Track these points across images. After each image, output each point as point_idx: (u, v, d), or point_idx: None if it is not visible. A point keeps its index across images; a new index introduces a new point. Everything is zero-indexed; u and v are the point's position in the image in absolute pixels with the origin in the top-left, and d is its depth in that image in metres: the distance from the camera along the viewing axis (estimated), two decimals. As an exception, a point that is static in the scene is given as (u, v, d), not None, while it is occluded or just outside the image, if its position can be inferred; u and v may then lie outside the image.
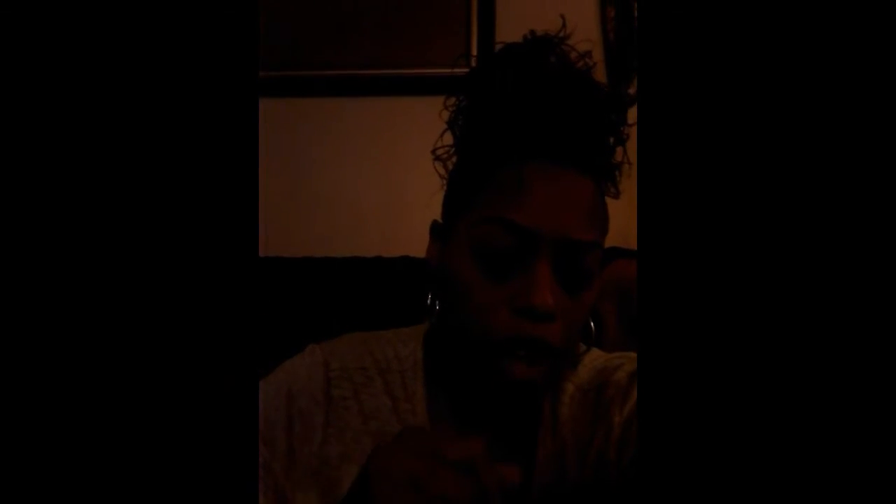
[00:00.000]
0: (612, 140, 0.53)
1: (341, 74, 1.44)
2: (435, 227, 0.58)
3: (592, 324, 0.57)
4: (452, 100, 0.56)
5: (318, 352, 0.60)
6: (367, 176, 1.44)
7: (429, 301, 0.56)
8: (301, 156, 1.45)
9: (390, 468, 0.41)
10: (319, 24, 1.45)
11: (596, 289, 0.52)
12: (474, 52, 1.38)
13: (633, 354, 0.58)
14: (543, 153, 0.50)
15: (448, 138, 0.57)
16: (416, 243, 1.27)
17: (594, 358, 0.59)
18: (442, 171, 0.58)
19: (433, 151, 0.58)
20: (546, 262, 0.49)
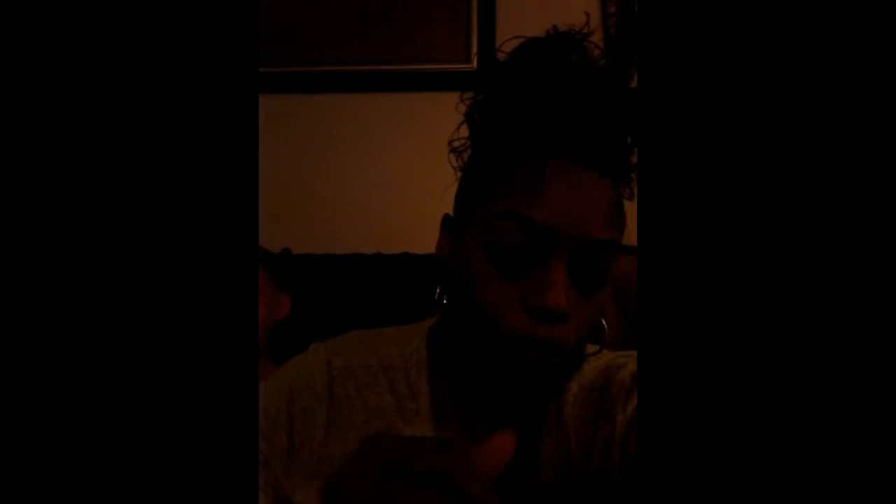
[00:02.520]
0: (630, 141, 0.52)
1: (341, 70, 1.44)
2: (447, 221, 0.58)
3: (605, 324, 0.56)
4: (469, 93, 0.55)
5: (322, 350, 0.60)
6: (368, 172, 1.44)
7: (437, 295, 0.56)
8: (301, 152, 1.45)
9: (346, 496, 0.35)
10: (319, 21, 1.44)
11: (610, 289, 0.52)
12: (475, 48, 1.37)
13: None
14: (562, 151, 0.50)
15: (464, 131, 0.56)
16: (416, 240, 1.28)
17: (599, 357, 0.59)
18: (455, 164, 0.58)
19: (450, 143, 0.57)
20: (561, 261, 0.48)
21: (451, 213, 0.58)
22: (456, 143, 0.57)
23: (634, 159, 0.53)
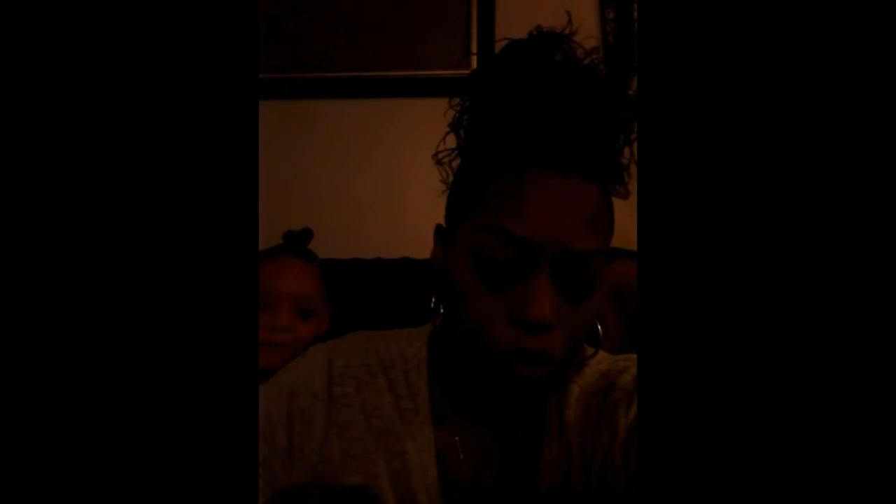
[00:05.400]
0: (620, 139, 0.51)
1: (341, 76, 1.44)
2: (439, 231, 0.58)
3: (600, 327, 0.56)
4: (457, 101, 0.55)
5: (322, 350, 0.60)
6: (367, 177, 1.44)
7: (432, 304, 0.56)
8: (301, 158, 1.45)
9: None
10: (318, 26, 1.45)
11: (600, 295, 0.51)
12: (474, 53, 1.38)
13: None
14: (544, 159, 0.49)
15: (450, 141, 0.56)
16: (415, 245, 1.28)
17: (600, 360, 0.59)
18: (443, 176, 0.57)
19: (434, 156, 0.57)
20: (545, 272, 0.48)
21: (443, 222, 0.58)
22: (441, 155, 0.57)
23: (627, 159, 0.52)
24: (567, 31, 0.51)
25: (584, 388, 0.57)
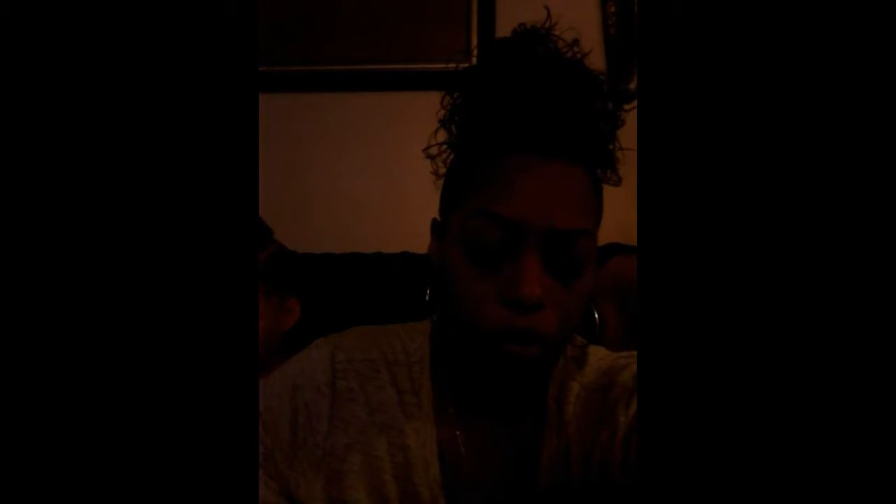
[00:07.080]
0: (600, 125, 0.53)
1: (341, 70, 1.43)
2: (434, 225, 0.59)
3: (596, 315, 0.57)
4: (448, 98, 0.57)
5: (325, 345, 0.60)
6: (367, 171, 1.44)
7: (427, 297, 0.57)
8: (301, 151, 1.45)
9: None
10: (319, 19, 1.44)
11: (591, 276, 0.53)
12: (475, 47, 1.37)
13: None
14: (528, 145, 0.51)
15: (442, 136, 0.58)
16: (415, 239, 1.28)
17: (600, 357, 0.60)
18: (435, 170, 0.59)
19: (425, 150, 0.58)
20: (534, 252, 0.49)
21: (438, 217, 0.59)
22: (432, 150, 0.58)
23: (614, 146, 0.54)
24: (547, 26, 0.53)
25: (585, 385, 0.58)
